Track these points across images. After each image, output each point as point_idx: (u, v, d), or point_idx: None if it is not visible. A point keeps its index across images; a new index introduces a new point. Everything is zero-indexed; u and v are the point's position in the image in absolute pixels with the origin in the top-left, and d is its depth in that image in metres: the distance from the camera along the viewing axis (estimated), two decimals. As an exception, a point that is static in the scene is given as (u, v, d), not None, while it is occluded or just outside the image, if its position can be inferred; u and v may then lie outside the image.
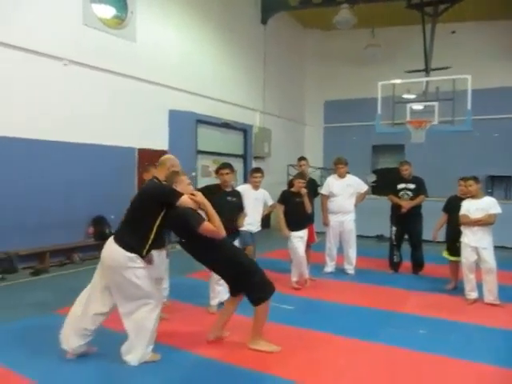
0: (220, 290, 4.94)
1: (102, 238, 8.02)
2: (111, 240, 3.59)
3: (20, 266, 6.96)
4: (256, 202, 5.80)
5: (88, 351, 3.67)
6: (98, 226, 8.16)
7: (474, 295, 5.35)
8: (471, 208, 5.34)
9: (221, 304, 4.77)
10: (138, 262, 3.53)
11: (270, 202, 6.06)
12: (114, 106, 8.56)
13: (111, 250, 3.54)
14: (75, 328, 3.58)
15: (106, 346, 3.74)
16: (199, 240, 3.67)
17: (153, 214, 3.56)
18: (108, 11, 8.43)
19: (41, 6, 7.32)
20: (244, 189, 5.75)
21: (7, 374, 3.40)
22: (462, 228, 5.42)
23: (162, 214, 3.57)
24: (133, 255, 3.49)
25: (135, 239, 3.53)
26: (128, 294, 3.52)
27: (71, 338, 3.58)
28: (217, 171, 5.36)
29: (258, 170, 5.95)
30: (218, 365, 3.61)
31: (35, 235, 7.23)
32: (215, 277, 4.70)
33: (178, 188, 3.68)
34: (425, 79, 10.97)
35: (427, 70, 11.95)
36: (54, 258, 7.50)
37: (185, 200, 3.53)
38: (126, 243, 3.50)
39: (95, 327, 3.61)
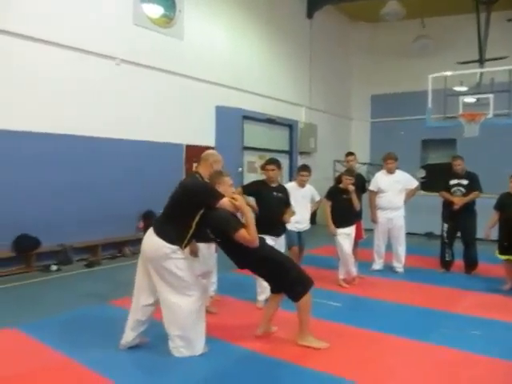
0: (267, 286, 4.93)
1: (151, 233, 8.24)
2: (151, 232, 3.63)
3: (75, 258, 7.27)
4: (303, 199, 5.77)
5: (141, 342, 3.78)
6: (147, 221, 8.35)
7: None
8: None
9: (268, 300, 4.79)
10: (179, 253, 3.57)
11: (318, 198, 6.02)
12: (162, 103, 8.75)
13: (152, 241, 3.57)
14: (130, 321, 3.70)
15: (157, 337, 3.83)
16: (233, 241, 3.64)
17: (192, 212, 3.59)
18: (157, 10, 8.62)
19: (93, 6, 7.57)
20: (290, 187, 5.70)
21: (76, 367, 3.55)
22: None
23: (201, 212, 3.60)
24: (174, 246, 3.53)
25: (175, 232, 3.57)
26: (170, 286, 3.55)
27: (127, 332, 3.71)
28: (263, 167, 5.35)
29: (305, 168, 5.88)
30: (265, 359, 3.61)
31: (89, 228, 7.52)
32: None
33: (220, 189, 3.69)
34: (479, 70, 10.56)
35: (481, 61, 11.49)
36: (106, 251, 7.79)
37: (225, 203, 3.54)
38: (166, 235, 3.54)
39: (146, 318, 3.70)
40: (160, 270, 3.55)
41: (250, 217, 3.64)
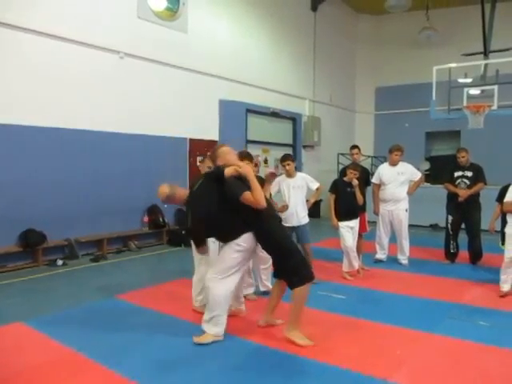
0: (252, 283, 5.02)
1: (155, 227, 8.28)
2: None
3: (80, 252, 7.29)
4: (295, 190, 5.49)
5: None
6: (152, 215, 8.40)
7: (506, 288, 5.06)
8: None
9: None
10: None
11: (315, 186, 5.59)
12: (166, 96, 8.75)
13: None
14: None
15: (168, 334, 3.85)
16: (244, 211, 3.70)
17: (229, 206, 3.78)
18: (161, 3, 8.60)
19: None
20: (280, 180, 5.56)
21: (85, 361, 3.58)
22: (508, 217, 5.07)
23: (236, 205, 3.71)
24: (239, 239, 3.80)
25: (234, 230, 3.82)
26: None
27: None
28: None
29: (285, 157, 5.57)
30: (269, 351, 3.60)
31: (94, 223, 7.55)
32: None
33: (220, 162, 3.88)
34: (483, 62, 10.45)
35: (486, 53, 11.38)
36: (112, 245, 7.81)
37: (227, 170, 3.73)
38: (232, 237, 3.85)
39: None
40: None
41: (254, 180, 3.72)
